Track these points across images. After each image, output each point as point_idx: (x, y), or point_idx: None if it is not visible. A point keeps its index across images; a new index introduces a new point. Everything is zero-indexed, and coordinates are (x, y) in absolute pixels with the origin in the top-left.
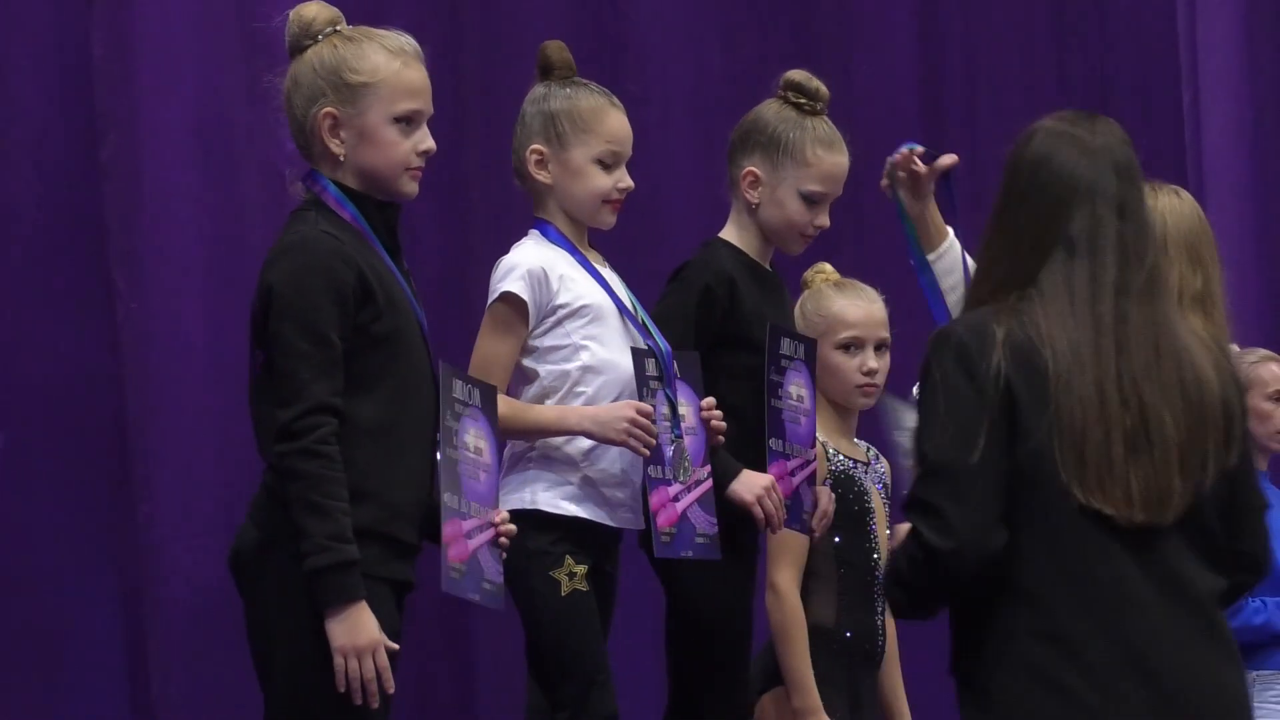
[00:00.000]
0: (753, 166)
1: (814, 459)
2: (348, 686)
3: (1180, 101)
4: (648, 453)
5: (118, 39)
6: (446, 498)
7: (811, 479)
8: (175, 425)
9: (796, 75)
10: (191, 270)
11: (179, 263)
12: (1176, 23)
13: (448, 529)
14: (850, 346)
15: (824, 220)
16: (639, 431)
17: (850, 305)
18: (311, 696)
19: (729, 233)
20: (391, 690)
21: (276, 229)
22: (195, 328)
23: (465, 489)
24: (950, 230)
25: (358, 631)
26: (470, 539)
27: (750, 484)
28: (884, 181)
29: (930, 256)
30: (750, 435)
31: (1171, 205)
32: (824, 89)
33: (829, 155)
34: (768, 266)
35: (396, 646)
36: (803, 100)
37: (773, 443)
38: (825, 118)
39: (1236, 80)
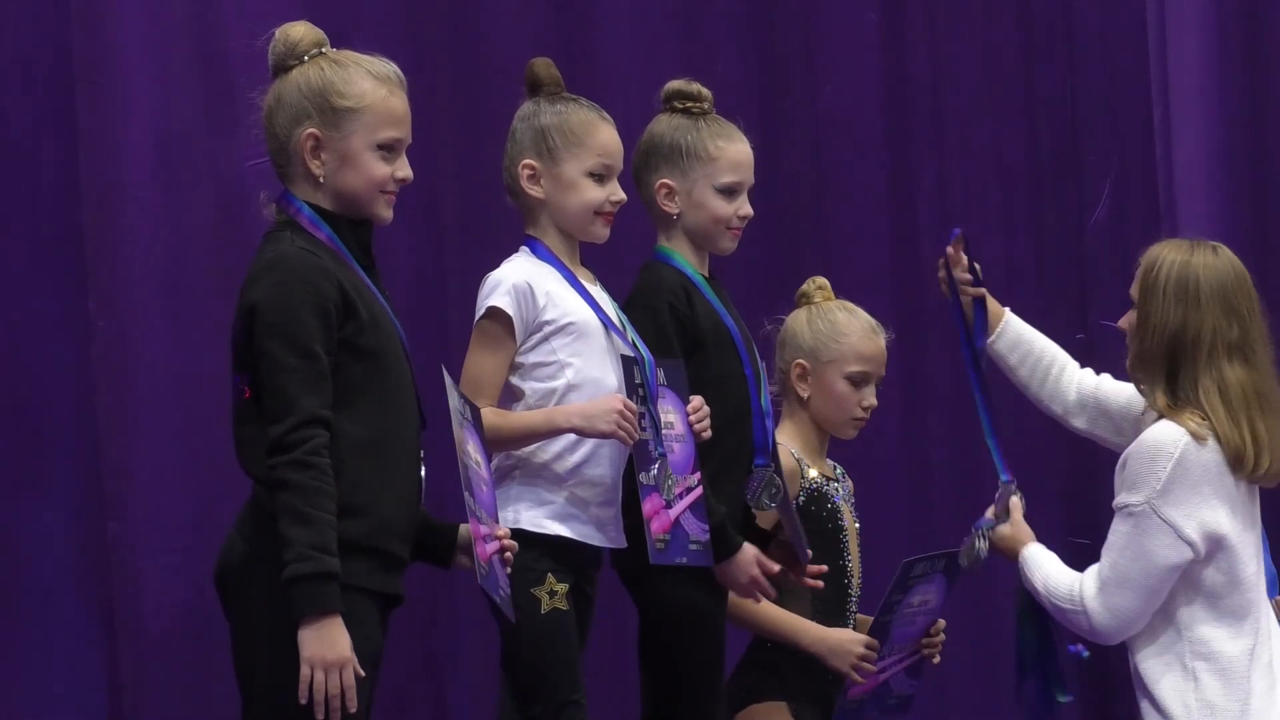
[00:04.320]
0: (663, 179)
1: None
2: (310, 698)
3: (1151, 119)
4: (631, 443)
5: (95, 56)
6: (466, 498)
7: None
8: (143, 444)
9: (675, 84)
10: (155, 289)
11: (142, 281)
12: (1147, 40)
13: (472, 528)
14: (858, 380)
15: (747, 209)
16: (626, 424)
17: (866, 340)
18: (291, 709)
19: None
20: (354, 710)
21: (233, 247)
22: (160, 346)
23: (476, 496)
24: (1006, 310)
25: (328, 645)
26: (486, 544)
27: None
28: (940, 275)
29: (991, 339)
30: (716, 441)
31: (1207, 261)
32: (705, 90)
33: (730, 145)
34: (706, 274)
35: (364, 674)
36: (689, 104)
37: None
38: (714, 114)
39: (1207, 97)
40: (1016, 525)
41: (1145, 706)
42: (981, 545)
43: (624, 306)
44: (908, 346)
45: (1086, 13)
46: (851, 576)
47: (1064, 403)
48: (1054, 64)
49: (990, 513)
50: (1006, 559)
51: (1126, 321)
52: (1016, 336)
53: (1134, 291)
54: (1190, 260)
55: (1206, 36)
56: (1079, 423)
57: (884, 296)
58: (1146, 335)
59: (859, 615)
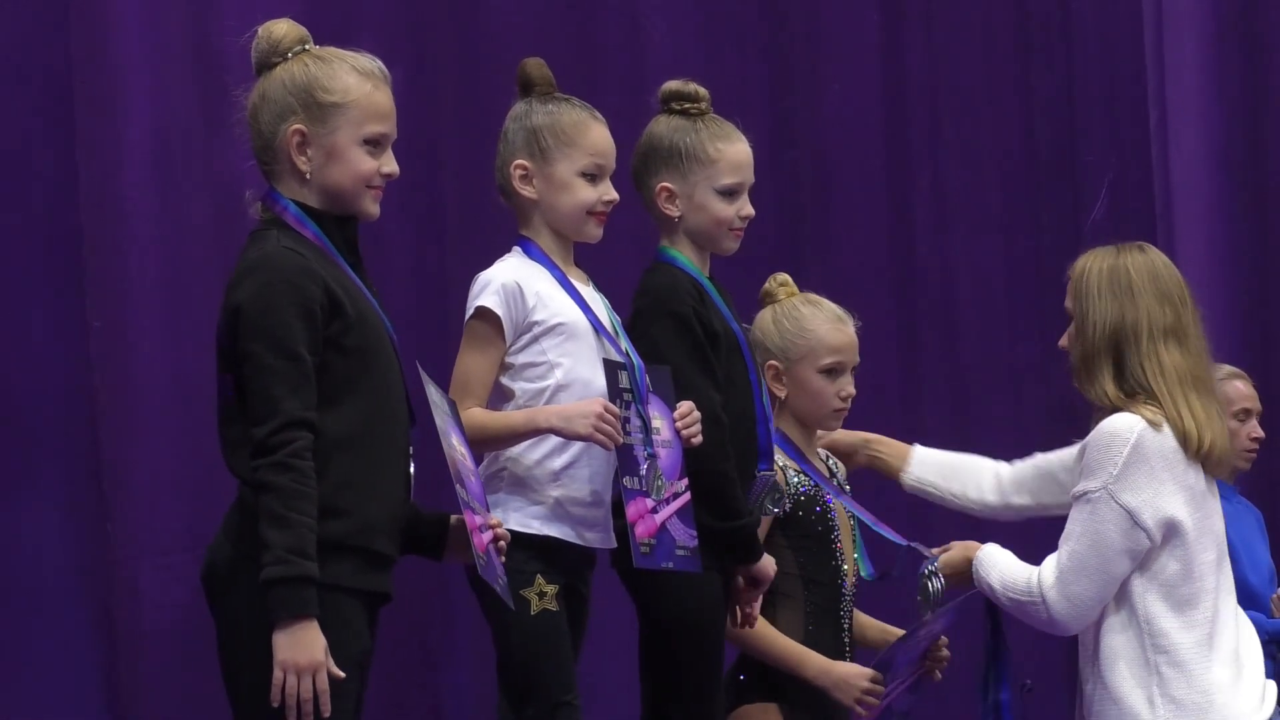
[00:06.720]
0: (664, 182)
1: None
2: (283, 702)
3: (1148, 119)
4: (612, 446)
5: (94, 56)
6: (459, 490)
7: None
8: (141, 445)
9: (672, 85)
10: (153, 289)
11: (140, 282)
12: (1144, 42)
13: (467, 520)
14: (832, 371)
15: (748, 209)
16: (606, 427)
17: (834, 330)
18: (277, 710)
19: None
20: (327, 714)
21: (231, 248)
22: (156, 348)
23: (467, 487)
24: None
25: (302, 649)
26: (482, 533)
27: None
28: None
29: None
30: (731, 438)
31: (1134, 257)
32: (702, 90)
33: (729, 146)
34: (709, 276)
35: (342, 675)
36: (687, 105)
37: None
38: (712, 115)
39: (1205, 97)
40: (957, 545)
41: (1099, 695)
42: (936, 584)
43: (633, 307)
44: (906, 345)
45: (1084, 13)
46: (845, 578)
47: (987, 504)
48: (1052, 64)
49: (925, 551)
50: (960, 578)
51: (1068, 339)
52: (931, 461)
53: (1069, 304)
54: (1117, 259)
55: (1204, 37)
56: (1021, 500)
57: (883, 295)
58: (1087, 335)
59: (858, 614)
